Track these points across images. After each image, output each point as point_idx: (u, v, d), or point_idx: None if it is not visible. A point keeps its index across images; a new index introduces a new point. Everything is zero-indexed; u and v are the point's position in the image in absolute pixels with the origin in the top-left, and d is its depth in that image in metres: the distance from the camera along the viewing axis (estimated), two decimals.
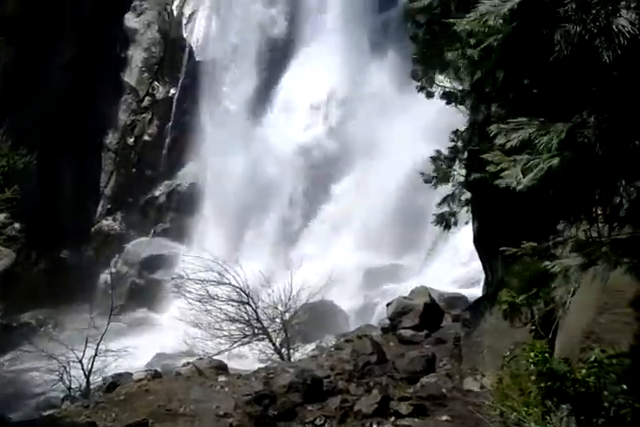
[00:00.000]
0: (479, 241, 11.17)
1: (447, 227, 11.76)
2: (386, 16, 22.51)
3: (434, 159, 11.54)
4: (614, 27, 3.01)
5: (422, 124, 18.28)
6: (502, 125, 4.06)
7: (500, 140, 4.08)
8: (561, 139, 3.64)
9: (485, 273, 11.14)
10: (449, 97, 11.69)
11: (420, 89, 11.95)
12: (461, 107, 11.59)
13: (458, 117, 11.38)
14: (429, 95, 11.94)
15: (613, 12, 3.02)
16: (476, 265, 12.72)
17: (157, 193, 24.35)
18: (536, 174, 3.79)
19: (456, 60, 8.47)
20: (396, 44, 20.44)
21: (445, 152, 11.44)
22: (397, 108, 20.02)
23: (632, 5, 2.98)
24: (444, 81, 11.44)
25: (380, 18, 23.01)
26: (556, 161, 3.69)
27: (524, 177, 3.87)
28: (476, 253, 11.53)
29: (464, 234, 12.89)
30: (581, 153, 3.62)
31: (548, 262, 4.28)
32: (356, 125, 22.17)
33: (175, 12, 25.26)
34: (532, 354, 4.68)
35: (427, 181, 11.57)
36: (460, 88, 11.19)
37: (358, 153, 21.79)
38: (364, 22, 23.11)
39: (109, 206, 24.41)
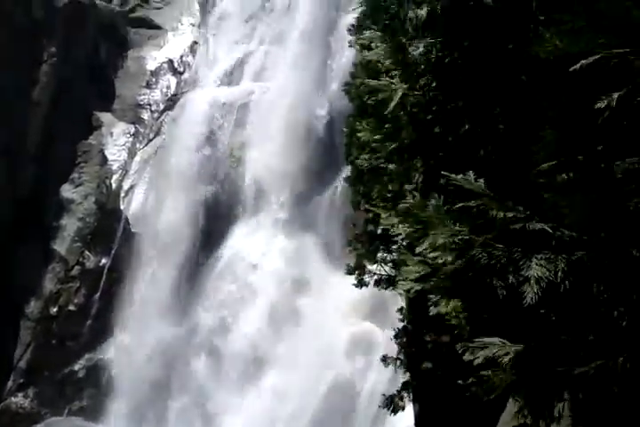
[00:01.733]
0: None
1: (395, 411, 11.97)
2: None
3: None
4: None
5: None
6: (469, 344, 4.78)
7: (467, 357, 4.76)
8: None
9: None
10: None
11: (351, 273, 12.65)
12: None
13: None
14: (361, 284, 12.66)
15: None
16: None
17: (77, 367, 23.12)
18: None
19: None
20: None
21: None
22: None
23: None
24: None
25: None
26: None
27: None
28: None
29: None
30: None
31: None
32: None
33: (114, 185, 26.18)
34: None
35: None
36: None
37: None
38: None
39: (21, 381, 22.73)
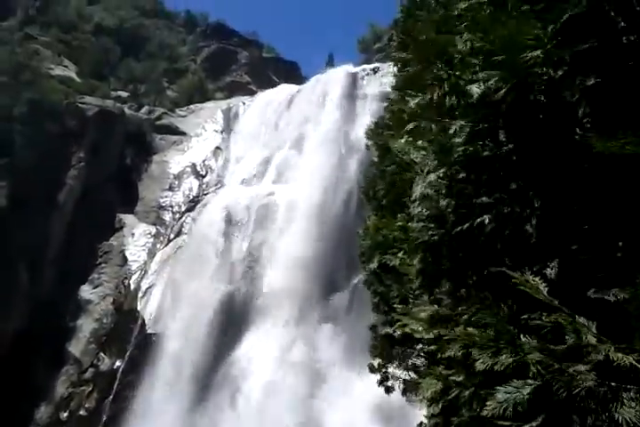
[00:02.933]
0: None
1: None
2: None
3: None
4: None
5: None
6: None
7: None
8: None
9: None
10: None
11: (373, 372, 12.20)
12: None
13: None
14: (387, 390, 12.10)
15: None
16: None
17: None
18: None
19: None
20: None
21: None
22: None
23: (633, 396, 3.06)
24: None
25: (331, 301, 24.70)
26: None
27: None
28: None
29: None
30: None
31: None
32: None
33: (132, 286, 26.20)
34: None
35: None
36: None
37: None
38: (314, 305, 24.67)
39: None
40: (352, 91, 33.16)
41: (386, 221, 8.69)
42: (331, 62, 46.70)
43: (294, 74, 45.47)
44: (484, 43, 4.17)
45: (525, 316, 3.51)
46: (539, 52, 3.77)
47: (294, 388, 22.16)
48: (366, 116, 27.89)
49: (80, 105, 32.07)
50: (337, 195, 28.00)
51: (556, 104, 3.95)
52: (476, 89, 4.20)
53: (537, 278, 3.43)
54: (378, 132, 12.85)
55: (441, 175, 4.81)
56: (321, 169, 28.77)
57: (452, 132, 4.49)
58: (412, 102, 6.25)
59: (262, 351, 23.24)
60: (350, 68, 35.65)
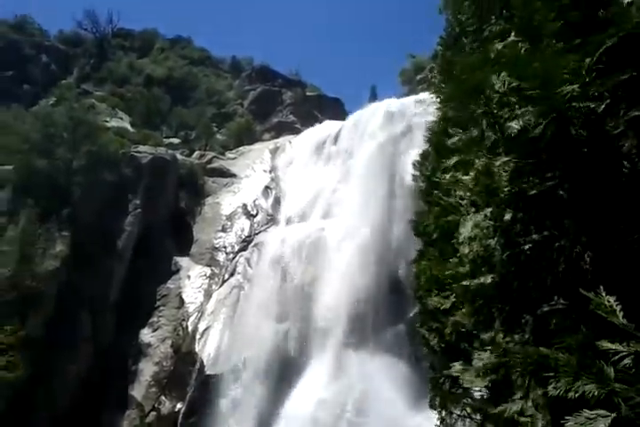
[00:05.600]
0: None
1: None
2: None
3: None
4: None
5: None
6: None
7: None
8: None
9: None
10: None
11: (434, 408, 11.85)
12: None
13: None
14: None
15: None
16: None
17: None
18: None
19: None
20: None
21: None
22: None
23: None
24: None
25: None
26: None
27: None
28: None
29: None
30: None
31: None
32: None
33: (190, 328, 26.65)
34: None
35: None
36: None
37: None
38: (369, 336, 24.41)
39: None
40: (395, 123, 33.33)
41: (435, 262, 8.57)
42: (374, 95, 47.24)
43: (338, 110, 46.13)
44: (520, 81, 4.18)
45: (599, 343, 3.30)
46: (576, 86, 3.81)
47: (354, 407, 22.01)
48: (412, 148, 27.97)
49: (134, 154, 33.39)
50: (386, 228, 27.92)
51: (599, 137, 3.93)
52: (514, 125, 4.21)
53: (612, 299, 3.26)
54: (424, 163, 12.87)
55: (488, 215, 4.78)
56: (369, 202, 28.86)
57: (495, 169, 4.49)
58: (455, 138, 6.26)
59: (317, 390, 23.11)
60: (393, 101, 35.90)
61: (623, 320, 3.21)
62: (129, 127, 38.89)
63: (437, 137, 8.85)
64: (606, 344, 3.24)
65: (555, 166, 4.16)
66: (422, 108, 33.82)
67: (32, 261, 26.44)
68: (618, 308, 3.22)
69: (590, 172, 3.99)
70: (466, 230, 5.15)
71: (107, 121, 37.68)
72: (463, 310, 6.60)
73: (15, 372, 22.70)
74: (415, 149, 27.69)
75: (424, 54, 41.23)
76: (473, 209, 5.25)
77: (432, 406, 12.41)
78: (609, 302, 3.24)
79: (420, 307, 12.21)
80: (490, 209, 4.84)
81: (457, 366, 6.95)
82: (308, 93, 49.39)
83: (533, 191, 4.25)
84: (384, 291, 25.56)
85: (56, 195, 29.40)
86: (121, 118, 40.12)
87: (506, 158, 4.44)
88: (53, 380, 23.47)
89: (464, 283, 5.60)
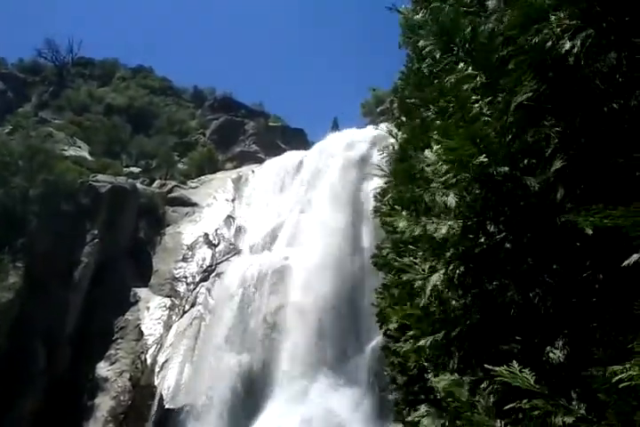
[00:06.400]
0: None
1: None
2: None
3: None
4: None
5: None
6: None
7: None
8: None
9: None
10: None
11: None
12: None
13: None
14: None
15: None
16: None
17: None
18: None
19: None
20: None
21: None
22: None
23: None
24: None
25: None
26: None
27: None
28: None
29: None
30: None
31: None
32: None
33: (149, 360, 25.91)
34: None
35: None
36: None
37: None
38: None
39: None
40: (356, 150, 33.69)
41: (397, 308, 8.63)
42: (335, 126, 47.80)
43: (301, 140, 46.53)
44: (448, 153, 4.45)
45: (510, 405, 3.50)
46: (482, 156, 4.10)
47: None
48: (372, 179, 28.26)
49: (93, 183, 32.87)
50: (349, 258, 27.94)
51: (529, 194, 4.13)
52: (451, 199, 4.54)
53: (526, 370, 3.45)
54: (381, 209, 13.00)
55: (442, 275, 4.95)
56: (332, 231, 28.91)
57: (444, 232, 4.69)
58: (400, 216, 6.48)
59: (285, 421, 22.67)
60: (354, 131, 36.38)
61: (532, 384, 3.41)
62: (87, 156, 38.34)
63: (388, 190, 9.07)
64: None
65: (499, 222, 4.42)
66: (382, 139, 34.57)
67: None
68: (530, 375, 3.43)
69: (531, 224, 4.21)
70: (425, 290, 5.32)
71: (65, 150, 37.09)
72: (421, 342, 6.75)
73: None
74: (377, 178, 28.07)
75: (385, 86, 42.14)
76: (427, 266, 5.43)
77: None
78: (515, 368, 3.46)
79: (382, 340, 12.19)
80: (442, 267, 4.99)
81: (421, 410, 7.00)
82: (270, 124, 49.71)
83: (479, 248, 4.51)
84: (351, 318, 25.46)
85: (11, 224, 28.61)
86: (79, 147, 39.55)
87: (451, 222, 4.69)
88: (6, 415, 22.38)
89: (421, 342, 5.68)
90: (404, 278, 6.20)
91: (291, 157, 37.19)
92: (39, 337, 25.65)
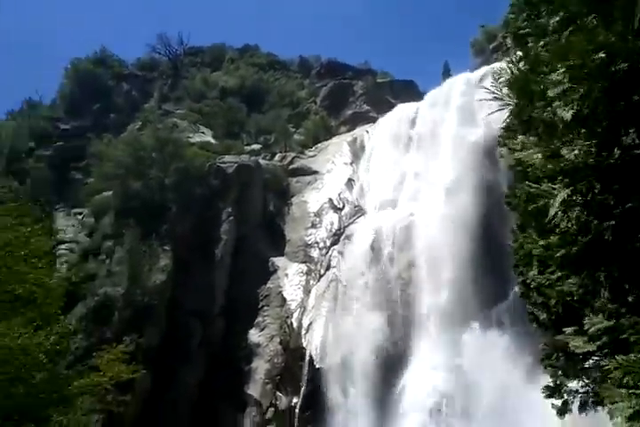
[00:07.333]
0: None
1: None
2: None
3: None
4: None
5: None
6: None
7: None
8: None
9: None
10: None
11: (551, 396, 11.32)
12: None
13: None
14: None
15: None
16: None
17: None
18: None
19: None
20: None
21: None
22: None
23: None
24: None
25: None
26: None
27: None
28: None
29: None
30: None
31: None
32: None
33: (295, 324, 27.35)
34: None
35: None
36: None
37: None
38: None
39: None
40: (473, 97, 32.32)
41: (528, 237, 8.49)
42: (447, 72, 46.08)
43: (413, 92, 45.41)
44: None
45: None
46: (602, 52, 4.01)
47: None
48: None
49: (220, 165, 34.63)
50: (478, 205, 27.18)
51: None
52: (568, 115, 4.45)
53: None
54: (508, 136, 12.50)
55: (572, 192, 4.98)
56: (457, 181, 28.25)
57: (576, 152, 4.67)
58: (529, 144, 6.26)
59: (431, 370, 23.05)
60: (467, 74, 34.81)
61: None
62: (211, 140, 40.36)
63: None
64: None
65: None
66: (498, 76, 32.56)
67: (140, 277, 28.11)
68: None
69: None
70: (554, 210, 5.20)
71: (190, 137, 39.29)
72: (570, 280, 6.61)
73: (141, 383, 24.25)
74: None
75: (493, 21, 39.91)
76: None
77: (548, 395, 12.04)
78: None
79: (520, 284, 11.92)
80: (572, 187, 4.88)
81: (569, 330, 6.93)
82: (379, 81, 49.01)
83: (611, 160, 4.43)
84: (483, 268, 25.00)
85: (153, 213, 31.02)
86: (203, 133, 41.70)
87: (580, 141, 4.65)
88: (170, 386, 24.86)
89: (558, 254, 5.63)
90: (540, 204, 6.09)
91: (402, 110, 36.49)
92: (194, 314, 27.95)
